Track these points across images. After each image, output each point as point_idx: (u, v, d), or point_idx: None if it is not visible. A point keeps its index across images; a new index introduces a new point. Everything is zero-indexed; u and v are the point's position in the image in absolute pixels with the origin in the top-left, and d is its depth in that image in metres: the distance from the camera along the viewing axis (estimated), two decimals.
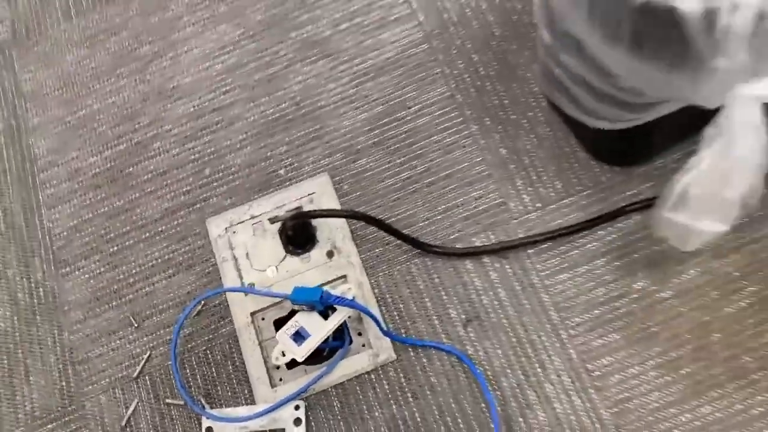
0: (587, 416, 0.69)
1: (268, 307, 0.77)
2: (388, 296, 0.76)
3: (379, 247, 0.78)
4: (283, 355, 0.72)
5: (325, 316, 0.72)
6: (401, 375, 0.73)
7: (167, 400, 0.76)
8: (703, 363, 0.69)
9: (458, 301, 0.75)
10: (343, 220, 0.79)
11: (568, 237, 0.75)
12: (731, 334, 0.70)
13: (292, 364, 0.74)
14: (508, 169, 0.79)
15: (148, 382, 0.77)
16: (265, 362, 0.75)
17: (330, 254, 0.78)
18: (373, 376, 0.74)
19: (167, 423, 0.75)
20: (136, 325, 0.79)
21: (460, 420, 0.71)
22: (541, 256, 0.75)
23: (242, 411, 0.73)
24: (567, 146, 0.78)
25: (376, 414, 0.72)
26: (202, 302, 0.79)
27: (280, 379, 0.75)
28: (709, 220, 0.59)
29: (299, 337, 0.72)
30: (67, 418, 0.77)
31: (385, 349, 0.74)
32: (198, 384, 0.76)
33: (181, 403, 0.75)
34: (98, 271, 0.82)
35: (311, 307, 0.72)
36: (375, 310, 0.75)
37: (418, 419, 0.72)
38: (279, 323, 0.75)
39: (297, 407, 0.73)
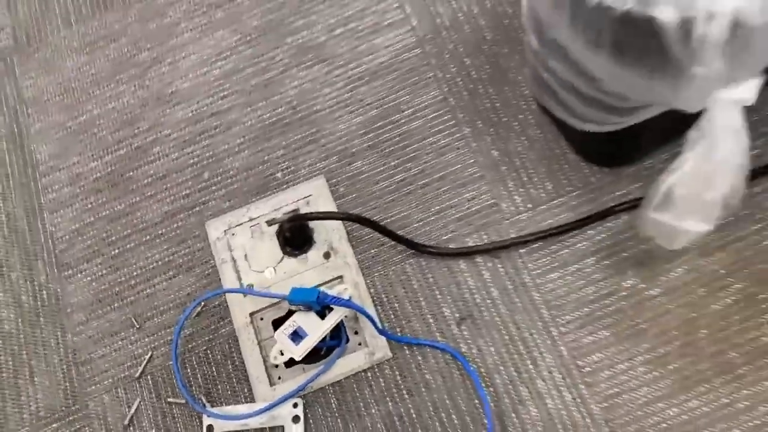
0: (578, 411, 0.71)
1: (266, 307, 0.78)
2: (383, 296, 0.77)
3: (374, 248, 0.79)
4: (282, 354, 0.73)
5: (322, 316, 0.73)
6: (397, 373, 0.75)
7: (169, 399, 0.77)
8: (691, 358, 0.71)
9: (452, 300, 0.76)
10: (340, 221, 0.80)
11: (559, 237, 0.76)
12: (718, 330, 0.71)
13: (290, 363, 0.75)
14: (499, 170, 0.80)
15: (150, 382, 0.78)
16: (264, 361, 0.76)
17: (327, 255, 0.79)
18: (369, 374, 0.75)
19: (169, 421, 0.76)
20: (137, 326, 0.80)
21: (454, 416, 0.72)
22: (532, 255, 0.76)
23: (242, 409, 0.74)
24: (557, 148, 0.80)
25: (373, 411, 0.74)
26: (202, 303, 0.79)
27: (279, 378, 0.76)
28: (693, 220, 0.60)
29: (297, 336, 0.72)
30: (71, 418, 0.78)
31: (380, 348, 0.75)
32: (199, 383, 0.77)
33: (183, 401, 0.76)
34: (100, 274, 0.83)
35: (308, 308, 0.73)
36: (371, 310, 0.76)
37: (414, 415, 0.73)
38: (277, 323, 0.76)
39: (295, 405, 0.74)
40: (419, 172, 0.82)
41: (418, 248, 0.78)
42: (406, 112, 0.84)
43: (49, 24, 0.97)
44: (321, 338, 0.73)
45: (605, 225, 0.76)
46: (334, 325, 0.73)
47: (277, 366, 0.76)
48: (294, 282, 0.77)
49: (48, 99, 0.93)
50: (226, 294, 0.79)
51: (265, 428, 0.74)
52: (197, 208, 0.84)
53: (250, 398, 0.76)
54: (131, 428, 0.77)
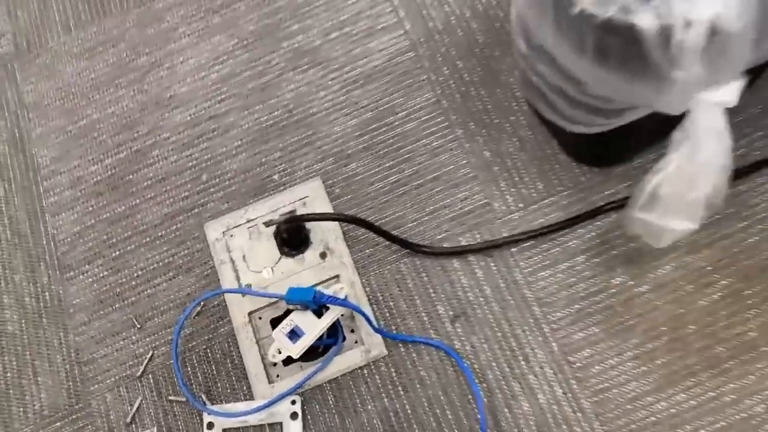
0: (569, 405, 0.72)
1: (264, 306, 0.79)
2: (379, 295, 0.78)
3: (370, 248, 0.81)
4: (280, 352, 0.74)
5: (319, 315, 0.74)
6: (392, 369, 0.76)
7: (170, 397, 0.78)
8: (678, 353, 0.72)
9: (446, 298, 0.77)
10: (336, 222, 0.81)
11: (550, 235, 0.78)
12: (705, 325, 0.72)
13: (288, 361, 0.76)
14: (492, 171, 0.81)
15: (151, 381, 0.79)
16: (263, 360, 0.77)
17: (323, 255, 0.81)
18: (365, 371, 0.76)
19: (170, 419, 0.78)
20: (138, 326, 0.81)
21: (448, 411, 0.74)
22: (524, 254, 0.78)
23: (241, 406, 0.75)
24: (548, 148, 0.81)
25: (369, 407, 0.75)
26: (202, 303, 0.80)
27: (277, 376, 0.77)
28: (678, 219, 0.62)
29: (294, 335, 0.73)
30: (74, 416, 0.79)
31: (376, 345, 0.76)
32: (199, 381, 0.78)
33: (183, 399, 0.78)
34: (101, 275, 0.84)
35: (305, 307, 0.74)
36: (367, 308, 0.77)
37: (409, 411, 0.74)
38: (275, 322, 0.77)
39: (293, 402, 0.75)
40: (413, 173, 0.83)
41: (413, 248, 0.79)
42: (400, 114, 0.85)
43: (49, 30, 0.98)
44: (318, 336, 0.74)
45: (595, 224, 0.77)
46: (330, 324, 0.74)
47: (275, 364, 0.77)
48: (291, 282, 0.78)
49: (48, 104, 0.94)
50: (225, 294, 0.80)
51: (264, 425, 0.75)
52: (196, 210, 0.85)
53: (249, 396, 0.77)
54: (133, 426, 0.78)
